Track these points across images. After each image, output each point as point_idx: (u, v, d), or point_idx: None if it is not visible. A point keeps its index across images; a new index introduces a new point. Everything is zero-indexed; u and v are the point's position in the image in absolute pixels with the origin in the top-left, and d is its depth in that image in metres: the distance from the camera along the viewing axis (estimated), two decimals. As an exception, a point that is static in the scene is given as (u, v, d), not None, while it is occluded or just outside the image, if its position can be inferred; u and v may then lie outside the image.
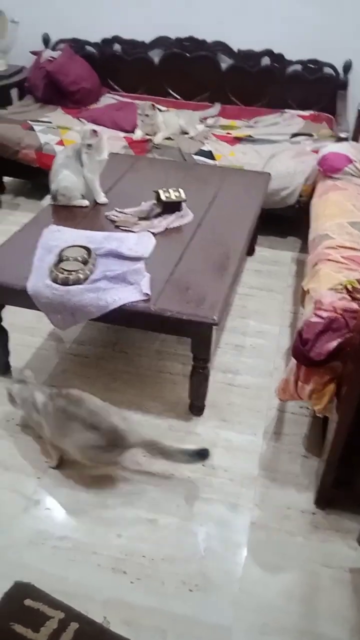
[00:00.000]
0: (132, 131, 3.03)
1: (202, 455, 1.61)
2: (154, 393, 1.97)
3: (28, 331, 2.23)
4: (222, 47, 3.39)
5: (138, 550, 1.48)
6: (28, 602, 1.32)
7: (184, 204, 2.17)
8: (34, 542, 1.48)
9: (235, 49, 3.38)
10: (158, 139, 2.96)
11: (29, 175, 3.23)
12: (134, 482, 1.65)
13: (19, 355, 2.09)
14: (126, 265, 1.84)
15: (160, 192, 2.14)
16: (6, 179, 3.35)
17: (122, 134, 3.02)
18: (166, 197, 2.14)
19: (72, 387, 1.69)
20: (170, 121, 3.06)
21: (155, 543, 1.50)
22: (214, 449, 1.75)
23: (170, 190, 2.16)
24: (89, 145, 2.08)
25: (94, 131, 2.08)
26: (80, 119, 3.21)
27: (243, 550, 1.49)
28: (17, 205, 3.26)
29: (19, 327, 2.13)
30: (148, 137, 3.00)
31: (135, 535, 1.51)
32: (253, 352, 2.19)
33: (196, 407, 1.87)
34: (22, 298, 1.77)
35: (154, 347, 2.19)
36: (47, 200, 2.29)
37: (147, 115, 2.91)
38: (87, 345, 2.20)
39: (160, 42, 3.46)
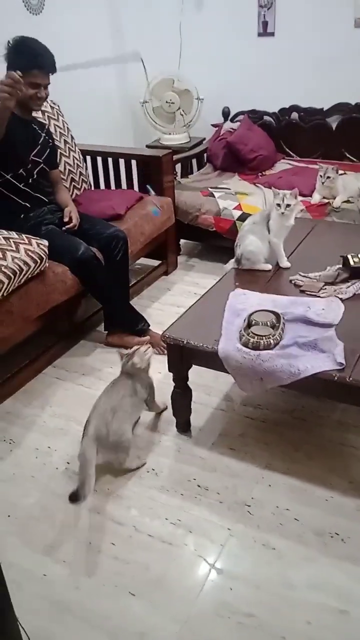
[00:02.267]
0: (310, 195, 3.05)
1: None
2: (338, 468, 1.86)
3: (205, 390, 2.27)
4: None
5: (330, 643, 1.36)
6: None
7: (373, 270, 2.10)
8: (220, 614, 1.44)
9: None
10: (337, 202, 2.94)
11: (204, 239, 3.40)
12: (319, 564, 1.55)
13: (198, 414, 2.12)
14: (316, 332, 1.80)
15: (349, 256, 2.10)
16: (182, 241, 3.55)
17: (300, 198, 3.04)
18: (355, 262, 2.08)
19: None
20: (349, 184, 3.03)
21: (348, 638, 1.37)
22: None
23: (360, 256, 2.10)
24: (288, 206, 2.11)
25: (296, 194, 2.12)
26: (257, 184, 3.33)
27: None
28: (191, 267, 3.43)
29: (197, 385, 2.17)
30: (326, 200, 3.00)
31: (325, 624, 1.40)
32: None
33: (389, 489, 1.72)
34: (210, 360, 1.81)
35: (334, 416, 2.09)
36: (231, 264, 2.35)
37: (328, 178, 2.92)
38: (263, 409, 2.17)
39: (339, 108, 3.50)
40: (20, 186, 2.41)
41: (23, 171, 2.39)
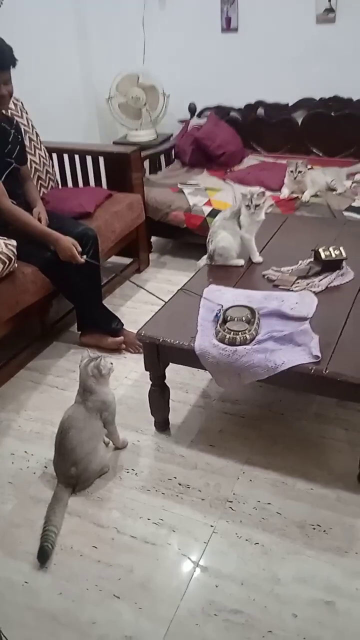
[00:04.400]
0: (279, 190, 3.07)
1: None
2: (317, 460, 1.87)
3: (182, 387, 2.26)
4: (368, 104, 3.37)
5: (317, 635, 1.37)
6: None
7: (344, 262, 2.12)
8: (207, 612, 1.43)
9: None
10: (306, 196, 2.96)
11: (175, 235, 3.38)
12: (303, 557, 1.56)
13: (176, 412, 2.11)
14: (291, 326, 1.81)
15: (320, 250, 2.11)
16: (153, 238, 3.53)
17: (269, 193, 3.05)
18: (326, 255, 2.10)
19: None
20: (317, 179, 3.06)
21: (335, 629, 1.38)
22: (392, 527, 1.61)
23: (330, 249, 2.12)
24: (257, 206, 2.11)
25: (263, 192, 2.12)
26: (227, 180, 3.33)
27: None
28: (163, 264, 3.40)
29: (174, 383, 2.16)
30: (295, 195, 3.02)
31: (312, 617, 1.41)
32: None
33: (368, 479, 1.74)
34: (187, 357, 1.80)
35: (311, 409, 2.11)
36: (203, 260, 2.34)
37: (300, 172, 2.94)
38: (241, 404, 2.17)
39: (304, 103, 3.53)
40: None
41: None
